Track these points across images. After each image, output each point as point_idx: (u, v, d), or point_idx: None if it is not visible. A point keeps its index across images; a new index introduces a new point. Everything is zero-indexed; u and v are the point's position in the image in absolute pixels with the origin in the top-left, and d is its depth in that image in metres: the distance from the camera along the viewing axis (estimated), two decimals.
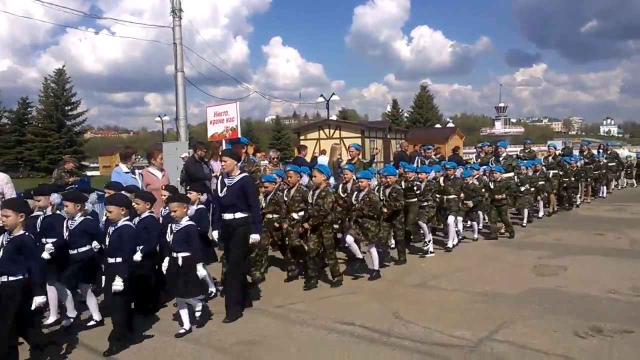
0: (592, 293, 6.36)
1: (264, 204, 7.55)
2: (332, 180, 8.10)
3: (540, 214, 12.63)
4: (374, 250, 7.51)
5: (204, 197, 6.72)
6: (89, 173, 47.45)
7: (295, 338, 5.24)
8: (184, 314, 5.54)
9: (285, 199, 7.48)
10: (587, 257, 8.34)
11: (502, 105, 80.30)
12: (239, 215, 5.97)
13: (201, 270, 5.43)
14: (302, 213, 7.23)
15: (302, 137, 33.97)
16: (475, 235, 10.10)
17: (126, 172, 7.38)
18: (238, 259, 6.03)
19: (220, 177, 6.21)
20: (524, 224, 11.53)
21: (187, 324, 5.51)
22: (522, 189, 11.70)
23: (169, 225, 5.68)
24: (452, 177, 9.60)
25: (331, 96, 31.45)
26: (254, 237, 5.97)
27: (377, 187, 8.13)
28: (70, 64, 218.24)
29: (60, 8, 17.82)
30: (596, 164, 16.17)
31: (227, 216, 5.99)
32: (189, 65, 18.88)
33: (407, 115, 72.93)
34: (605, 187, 16.86)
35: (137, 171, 7.67)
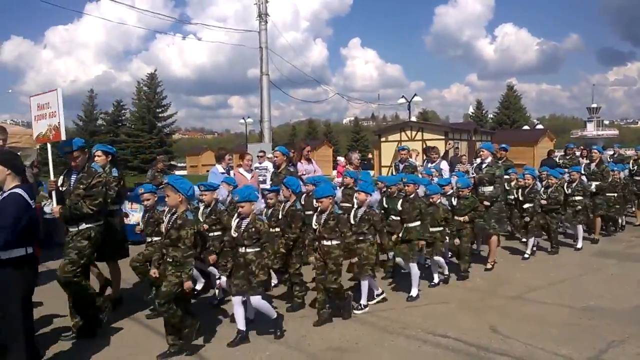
0: None
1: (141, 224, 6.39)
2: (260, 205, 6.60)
3: (579, 244, 9.42)
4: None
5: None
6: (177, 172, 49.72)
7: (387, 347, 5.09)
8: None
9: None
10: None
11: (594, 106, 75.62)
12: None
13: None
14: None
15: (382, 139, 33.65)
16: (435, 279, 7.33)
17: (222, 173, 7.59)
18: (12, 316, 3.94)
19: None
20: (526, 254, 8.79)
21: None
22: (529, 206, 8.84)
23: None
24: (411, 195, 6.81)
25: (413, 97, 30.76)
26: None
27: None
28: (160, 69, 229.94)
29: (155, 14, 18.73)
30: None
31: None
32: (272, 68, 19.21)
33: (492, 117, 69.92)
34: None
35: (231, 172, 7.97)
